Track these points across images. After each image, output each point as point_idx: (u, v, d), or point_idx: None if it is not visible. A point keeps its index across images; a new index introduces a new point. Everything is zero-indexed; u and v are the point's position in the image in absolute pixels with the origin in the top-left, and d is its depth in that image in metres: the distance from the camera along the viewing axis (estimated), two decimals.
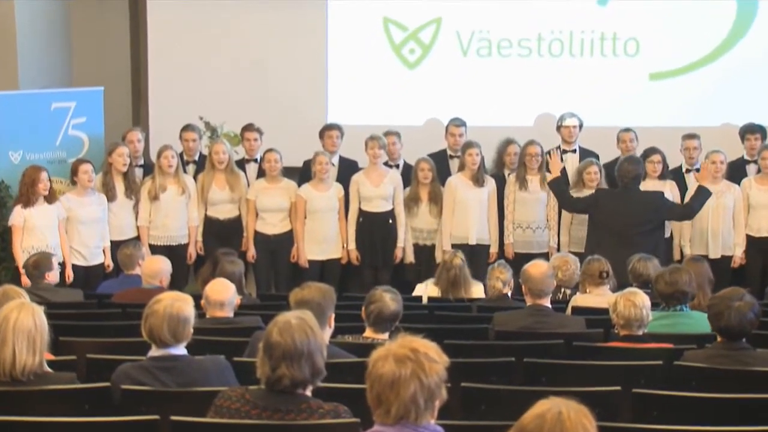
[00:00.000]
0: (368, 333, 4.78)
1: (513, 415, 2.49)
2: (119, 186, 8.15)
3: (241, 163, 8.56)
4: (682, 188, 8.13)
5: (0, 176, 8.41)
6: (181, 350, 3.98)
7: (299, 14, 9.54)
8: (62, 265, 7.37)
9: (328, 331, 4.27)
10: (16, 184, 7.92)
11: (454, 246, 7.80)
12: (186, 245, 8.28)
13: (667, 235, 8.03)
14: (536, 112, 9.23)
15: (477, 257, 7.87)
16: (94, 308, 6.26)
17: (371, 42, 9.52)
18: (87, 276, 7.91)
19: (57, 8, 9.98)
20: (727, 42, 9.11)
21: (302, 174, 8.45)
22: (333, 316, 4.35)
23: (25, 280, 6.75)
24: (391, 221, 8.25)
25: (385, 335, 4.71)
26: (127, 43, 10.28)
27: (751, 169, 8.31)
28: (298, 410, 3.27)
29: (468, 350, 4.85)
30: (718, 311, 4.42)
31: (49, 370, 3.92)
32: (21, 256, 7.47)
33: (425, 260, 8.25)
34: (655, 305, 5.13)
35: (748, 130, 8.37)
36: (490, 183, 8.22)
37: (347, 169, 8.50)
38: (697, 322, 5.16)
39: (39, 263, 6.56)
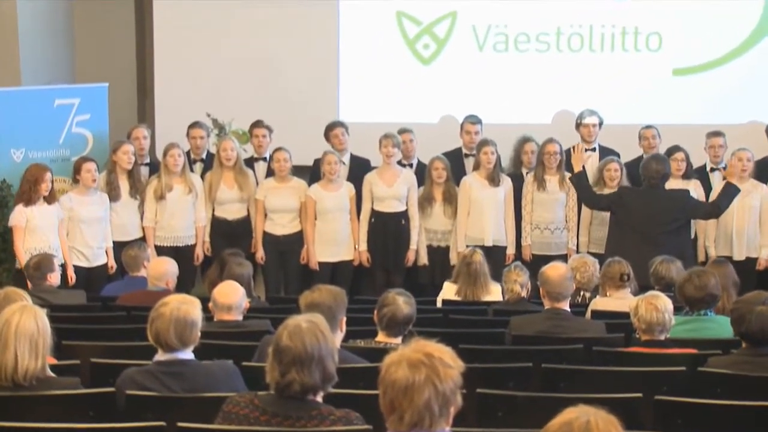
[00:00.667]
0: (381, 337, 4.77)
1: (530, 423, 2.50)
2: (124, 185, 8.07)
3: (250, 162, 8.50)
4: (707, 188, 8.02)
5: (1, 175, 8.27)
6: (188, 355, 3.98)
7: (310, 8, 9.44)
8: (62, 266, 7.30)
9: (339, 336, 4.28)
10: (18, 183, 7.80)
11: (469, 248, 7.64)
12: (193, 246, 8.20)
13: (692, 236, 7.89)
14: (554, 110, 9.13)
15: (493, 259, 7.68)
16: (99, 311, 6.29)
17: (384, 37, 9.42)
18: (89, 277, 7.83)
19: (60, 2, 9.90)
20: (754, 36, 8.99)
21: (312, 173, 8.38)
22: (344, 319, 4.36)
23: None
24: (404, 222, 8.16)
25: (398, 339, 4.71)
26: (132, 38, 10.19)
27: None
28: (308, 417, 3.25)
29: (484, 355, 4.86)
30: (739, 315, 4.41)
31: (52, 374, 3.90)
32: (24, 257, 7.34)
33: (439, 262, 8.17)
34: (677, 309, 5.05)
35: None
36: (507, 182, 8.14)
37: (359, 168, 8.41)
38: (722, 326, 5.08)
39: (40, 264, 6.52)
